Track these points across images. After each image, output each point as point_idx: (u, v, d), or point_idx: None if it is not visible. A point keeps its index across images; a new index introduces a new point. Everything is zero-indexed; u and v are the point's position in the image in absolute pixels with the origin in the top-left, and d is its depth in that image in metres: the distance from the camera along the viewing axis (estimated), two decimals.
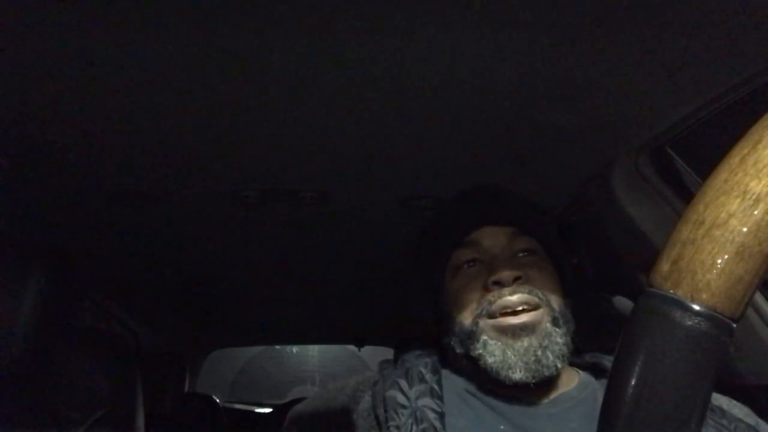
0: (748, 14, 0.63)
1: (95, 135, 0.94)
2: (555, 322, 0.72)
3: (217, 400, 2.64)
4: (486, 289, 0.73)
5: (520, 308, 0.71)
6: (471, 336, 0.73)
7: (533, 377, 0.69)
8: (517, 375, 0.69)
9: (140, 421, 1.15)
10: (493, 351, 0.70)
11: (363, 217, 1.34)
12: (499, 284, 0.72)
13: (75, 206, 1.23)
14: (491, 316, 0.72)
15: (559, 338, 0.71)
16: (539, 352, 0.69)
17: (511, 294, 0.71)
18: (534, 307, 0.71)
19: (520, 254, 0.77)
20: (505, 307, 0.71)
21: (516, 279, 0.72)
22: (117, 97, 0.82)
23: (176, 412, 2.37)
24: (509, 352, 0.70)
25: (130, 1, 0.62)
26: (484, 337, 0.71)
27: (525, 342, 0.70)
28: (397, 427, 0.67)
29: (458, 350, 0.75)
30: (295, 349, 5.15)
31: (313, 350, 5.14)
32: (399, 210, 1.27)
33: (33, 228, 1.31)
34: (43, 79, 0.77)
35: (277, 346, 5.01)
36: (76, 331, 1.13)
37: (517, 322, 0.70)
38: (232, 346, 3.58)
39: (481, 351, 0.71)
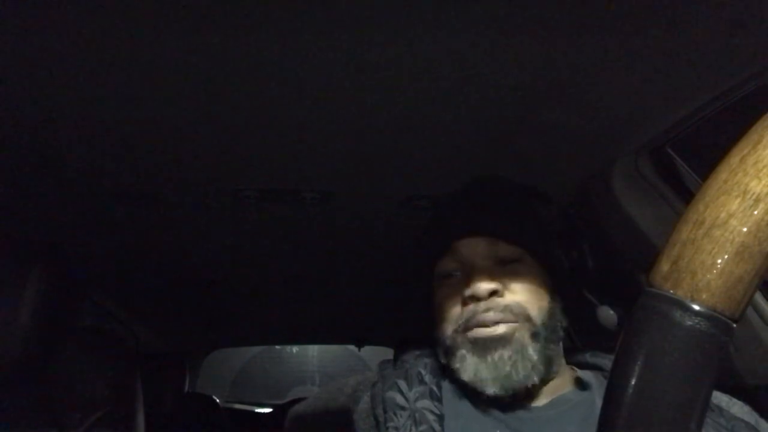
0: (748, 14, 0.63)
1: (95, 135, 0.94)
2: (534, 336, 0.71)
3: (217, 400, 2.64)
4: (464, 303, 0.72)
5: (494, 327, 0.70)
6: (450, 350, 0.73)
7: (506, 391, 0.69)
8: (490, 389, 0.69)
9: (140, 421, 1.15)
10: (467, 367, 0.70)
11: (363, 217, 1.34)
12: (475, 298, 0.71)
13: (75, 206, 1.23)
14: (467, 330, 0.71)
15: (534, 352, 0.70)
16: (508, 367, 0.68)
17: (485, 311, 0.70)
18: (512, 321, 0.70)
19: (501, 264, 0.74)
20: (480, 324, 0.70)
21: (492, 293, 0.71)
22: (117, 97, 0.82)
23: (176, 412, 2.38)
24: (481, 367, 0.69)
25: (130, 1, 0.62)
26: (462, 351, 0.71)
27: (496, 355, 0.69)
28: (396, 428, 0.67)
29: (443, 361, 0.76)
30: (295, 349, 5.15)
31: (313, 350, 5.14)
32: (399, 210, 1.27)
33: (33, 228, 1.31)
34: (43, 79, 0.77)
35: (277, 346, 5.01)
36: (76, 331, 1.13)
37: (490, 333, 0.69)
38: (232, 346, 3.58)
39: (458, 365, 0.71)
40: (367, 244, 1.56)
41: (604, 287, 1.13)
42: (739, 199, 0.35)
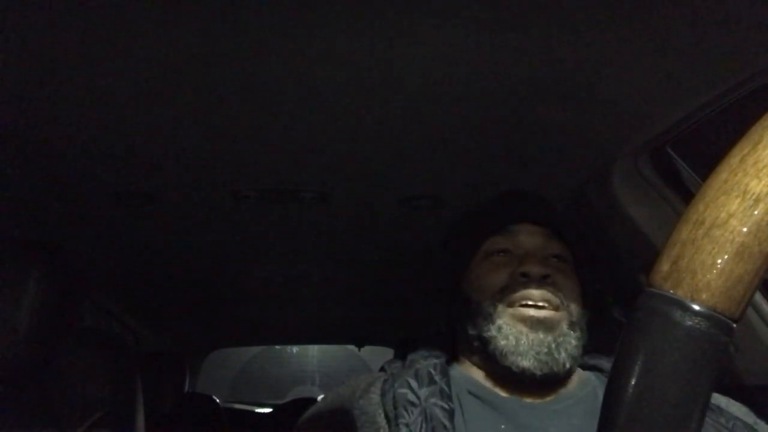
0: (749, 14, 0.63)
1: (95, 135, 0.94)
2: (571, 326, 0.73)
3: (217, 400, 2.64)
4: (512, 278, 0.74)
5: (541, 304, 0.72)
6: (487, 318, 0.74)
7: (540, 369, 0.70)
8: (525, 362, 0.70)
9: (140, 421, 1.15)
10: (507, 335, 0.71)
11: (363, 217, 1.34)
12: (527, 277, 0.73)
13: (75, 206, 1.23)
14: (511, 304, 0.73)
15: (573, 340, 0.72)
16: (553, 346, 0.70)
17: (535, 289, 0.72)
18: (554, 308, 0.72)
19: (552, 258, 0.78)
20: (527, 298, 0.72)
21: (544, 277, 0.73)
22: (117, 97, 0.82)
23: (176, 412, 2.37)
24: (523, 339, 0.71)
25: (130, 1, 0.62)
26: (500, 321, 0.72)
27: (540, 335, 0.71)
28: (407, 425, 0.67)
29: (471, 331, 0.76)
30: (295, 349, 5.15)
31: (313, 350, 5.14)
32: (399, 210, 1.27)
33: (33, 228, 1.31)
34: (43, 79, 0.77)
35: (277, 346, 5.01)
36: (76, 331, 1.13)
37: (536, 314, 0.71)
38: (232, 346, 3.58)
39: (494, 333, 0.72)
40: (366, 244, 1.56)
41: (604, 287, 1.13)
42: (739, 199, 0.35)
